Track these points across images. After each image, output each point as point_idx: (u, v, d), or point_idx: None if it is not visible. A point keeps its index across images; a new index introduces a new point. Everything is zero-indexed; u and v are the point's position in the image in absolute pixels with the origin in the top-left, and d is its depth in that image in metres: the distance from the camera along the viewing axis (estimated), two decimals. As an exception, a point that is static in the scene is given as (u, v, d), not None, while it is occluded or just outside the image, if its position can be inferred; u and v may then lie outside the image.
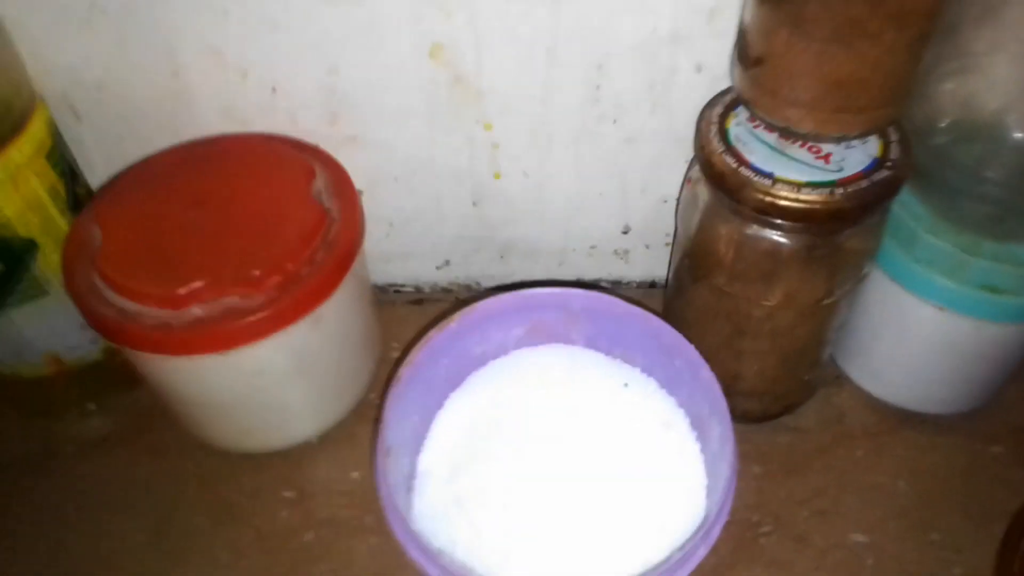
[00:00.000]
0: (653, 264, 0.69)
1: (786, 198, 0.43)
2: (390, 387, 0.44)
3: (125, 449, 0.59)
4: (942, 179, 0.49)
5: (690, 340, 0.56)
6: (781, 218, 0.44)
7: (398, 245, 0.67)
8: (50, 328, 0.54)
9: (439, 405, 0.50)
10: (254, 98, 0.56)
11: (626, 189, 0.62)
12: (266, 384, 0.51)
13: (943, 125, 0.52)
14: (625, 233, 0.66)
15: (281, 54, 0.53)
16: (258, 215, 0.50)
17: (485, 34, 0.52)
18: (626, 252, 0.68)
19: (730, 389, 0.56)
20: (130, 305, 0.46)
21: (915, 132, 0.50)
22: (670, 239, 0.66)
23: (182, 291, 0.46)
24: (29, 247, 0.50)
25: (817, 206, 0.43)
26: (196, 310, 0.46)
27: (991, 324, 0.51)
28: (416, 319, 0.68)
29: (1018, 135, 0.51)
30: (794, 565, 0.53)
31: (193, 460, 0.58)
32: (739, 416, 0.58)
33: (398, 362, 0.46)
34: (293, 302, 0.48)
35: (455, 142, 0.59)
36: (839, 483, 0.58)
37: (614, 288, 0.71)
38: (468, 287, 0.71)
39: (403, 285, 0.71)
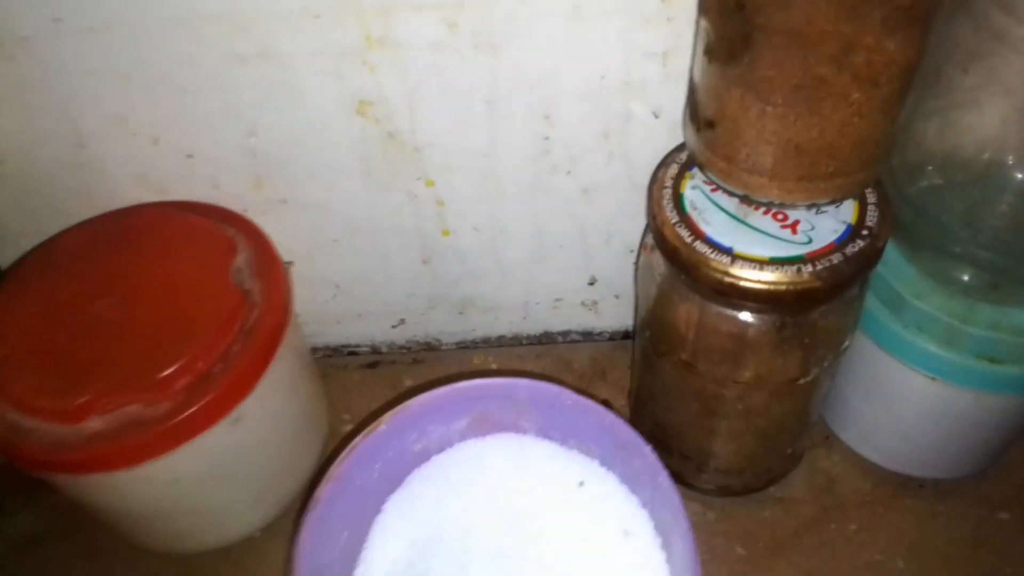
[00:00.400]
0: (624, 314, 0.64)
1: (748, 279, 0.38)
2: (305, 512, 0.39)
3: (56, 549, 0.54)
4: (930, 235, 0.44)
5: (658, 416, 0.51)
6: (743, 300, 0.39)
7: (348, 306, 0.62)
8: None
9: (376, 510, 0.45)
10: (169, 165, 0.51)
11: (587, 241, 0.57)
12: (186, 492, 0.47)
13: (930, 169, 0.46)
14: (592, 284, 0.61)
15: (193, 118, 0.48)
16: (169, 303, 0.45)
17: (417, 89, 0.47)
18: (595, 303, 0.63)
19: (705, 466, 0.51)
20: (22, 419, 0.41)
21: (895, 182, 0.44)
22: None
23: (78, 402, 0.41)
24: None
25: (783, 287, 0.38)
26: (94, 423, 0.41)
27: (991, 395, 0.45)
28: (370, 385, 0.63)
29: (1020, 175, 0.46)
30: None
31: (126, 562, 0.53)
32: (718, 490, 0.53)
33: (329, 463, 0.41)
34: (205, 407, 0.43)
35: (396, 200, 0.54)
36: (831, 563, 0.52)
37: (585, 339, 0.66)
38: (428, 344, 0.66)
39: (358, 346, 0.66)
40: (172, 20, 0.43)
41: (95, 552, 0.54)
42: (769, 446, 0.49)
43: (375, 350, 0.66)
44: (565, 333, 0.66)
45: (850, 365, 0.50)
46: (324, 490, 0.40)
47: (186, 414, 0.42)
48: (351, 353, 0.66)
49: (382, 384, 0.63)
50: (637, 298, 0.51)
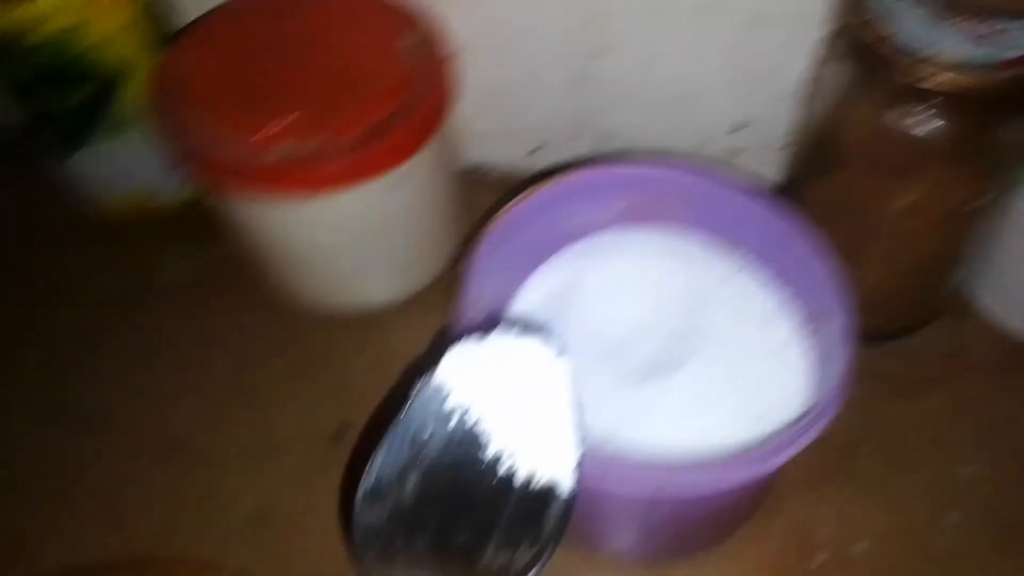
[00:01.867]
0: (764, 171, 0.63)
1: (938, 75, 0.37)
2: (472, 250, 0.41)
3: (208, 299, 0.59)
4: None
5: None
6: (930, 99, 0.38)
7: (486, 124, 0.63)
8: (136, 165, 0.54)
9: (521, 282, 0.46)
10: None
11: (748, 77, 0.56)
12: (343, 240, 0.50)
13: None
14: (737, 131, 0.60)
15: None
16: (344, 66, 0.48)
17: None
18: (737, 152, 0.62)
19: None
20: (210, 141, 0.45)
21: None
22: (786, 141, 0.60)
23: (265, 130, 0.44)
24: (117, 75, 0.49)
25: (976, 83, 0.37)
26: (278, 150, 0.44)
27: None
28: (503, 204, 0.65)
29: None
30: (894, 491, 0.49)
31: (270, 322, 0.57)
32: (846, 333, 0.53)
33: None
34: (376, 155, 0.45)
35: (560, 7, 0.54)
36: (954, 413, 0.51)
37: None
38: (560, 177, 0.67)
39: (492, 169, 0.67)
40: None
41: (245, 305, 0.58)
42: (912, 283, 0.48)
43: (508, 176, 0.67)
44: (698, 184, 0.65)
45: (1013, 213, 0.48)
46: (494, 228, 0.42)
47: (359, 156, 0.45)
48: (483, 176, 0.67)
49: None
50: (800, 121, 0.50)
